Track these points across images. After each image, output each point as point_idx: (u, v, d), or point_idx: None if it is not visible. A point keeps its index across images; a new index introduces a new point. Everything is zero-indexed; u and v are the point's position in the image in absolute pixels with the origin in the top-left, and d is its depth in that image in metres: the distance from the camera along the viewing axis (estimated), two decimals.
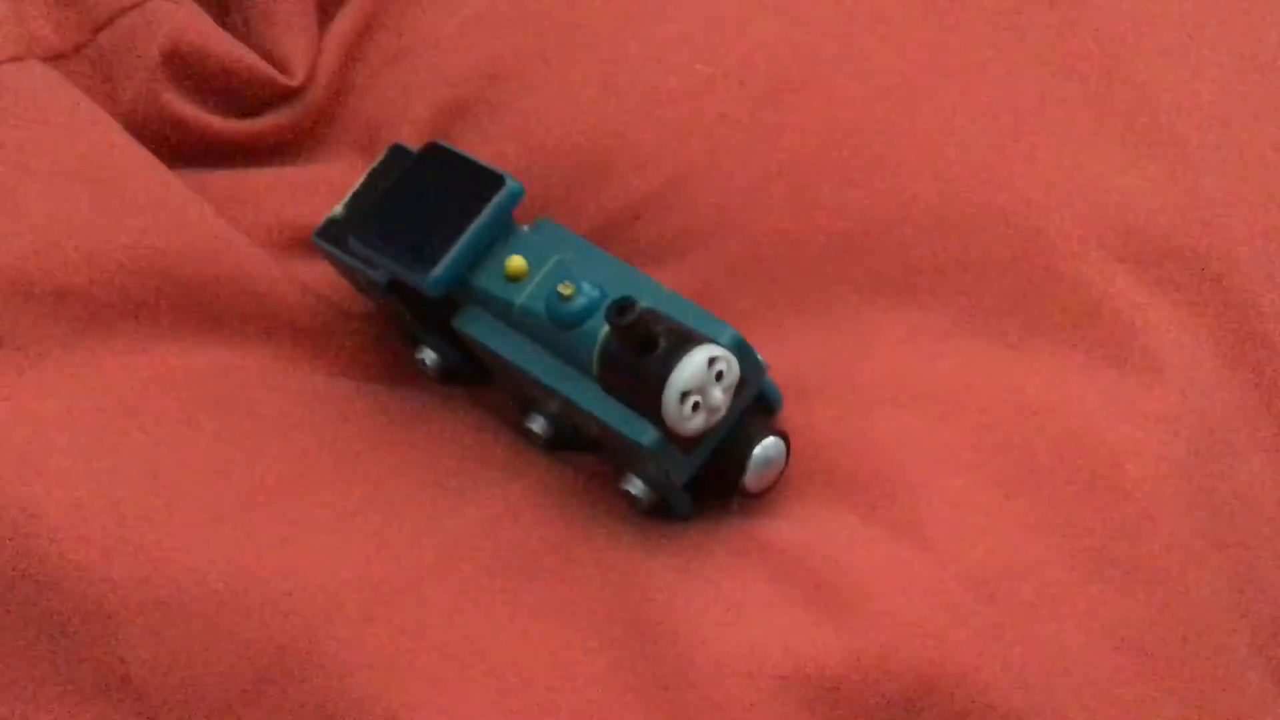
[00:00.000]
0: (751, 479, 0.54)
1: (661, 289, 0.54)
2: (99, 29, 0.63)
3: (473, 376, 0.59)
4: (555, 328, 0.53)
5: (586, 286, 0.53)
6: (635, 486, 0.55)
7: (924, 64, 0.61)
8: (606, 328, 0.52)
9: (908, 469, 0.55)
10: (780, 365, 0.56)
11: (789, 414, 0.57)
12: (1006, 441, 0.55)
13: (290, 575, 0.53)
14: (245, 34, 0.65)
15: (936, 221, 0.59)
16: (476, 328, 0.55)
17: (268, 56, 0.64)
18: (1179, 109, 0.61)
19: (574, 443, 0.57)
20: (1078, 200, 0.59)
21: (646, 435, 0.52)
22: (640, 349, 0.51)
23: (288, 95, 0.64)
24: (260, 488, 0.54)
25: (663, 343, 0.51)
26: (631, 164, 0.61)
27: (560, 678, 0.51)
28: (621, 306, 0.50)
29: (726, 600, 0.53)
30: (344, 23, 0.65)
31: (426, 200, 0.55)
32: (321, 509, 0.54)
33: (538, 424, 0.57)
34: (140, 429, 0.55)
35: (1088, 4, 0.62)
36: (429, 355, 0.59)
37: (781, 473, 0.55)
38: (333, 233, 0.58)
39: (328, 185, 0.61)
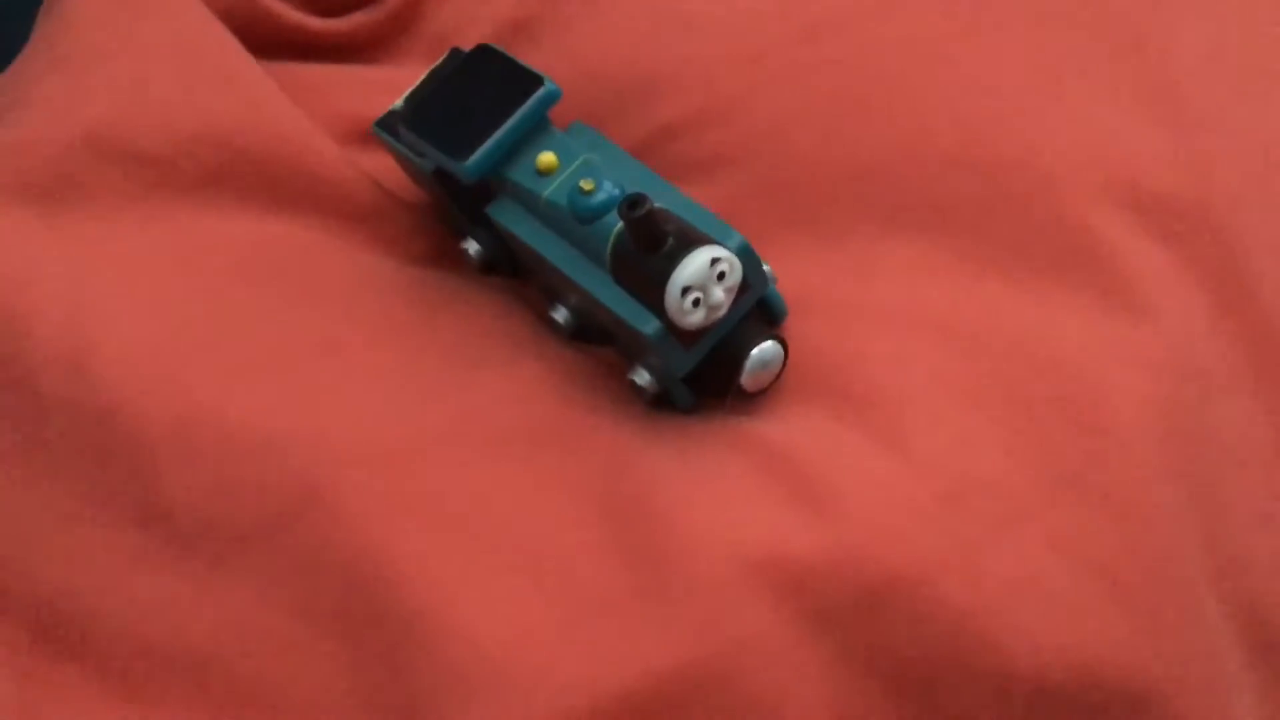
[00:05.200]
0: (748, 378, 0.51)
1: (679, 195, 0.51)
2: None
3: (512, 269, 0.56)
4: (576, 221, 0.50)
5: (607, 184, 0.50)
6: (642, 377, 0.51)
7: (955, 17, 0.58)
8: (620, 224, 0.48)
9: (898, 386, 0.52)
10: (790, 281, 0.53)
11: (793, 326, 0.54)
12: (996, 369, 0.52)
13: (316, 426, 0.51)
14: None
15: (952, 162, 0.55)
16: (507, 216, 0.52)
17: None
18: (1190, 74, 0.57)
19: (594, 335, 0.54)
20: (1087, 152, 0.55)
21: (650, 326, 0.49)
22: (648, 245, 0.48)
23: (370, 0, 0.61)
24: (297, 346, 0.53)
25: (670, 240, 0.48)
26: (672, 88, 0.58)
27: (552, 542, 0.49)
28: (633, 201, 0.47)
29: (714, 488, 0.50)
30: None
31: (471, 95, 0.53)
32: (351, 371, 0.52)
33: (561, 314, 0.54)
34: (194, 285, 0.53)
35: None
36: (472, 245, 0.56)
37: (778, 376, 0.52)
38: (390, 124, 0.56)
39: (397, 85, 0.59)
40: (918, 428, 0.51)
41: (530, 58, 0.58)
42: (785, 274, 0.53)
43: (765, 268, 0.51)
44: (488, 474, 0.50)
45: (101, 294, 0.52)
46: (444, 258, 0.57)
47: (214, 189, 0.55)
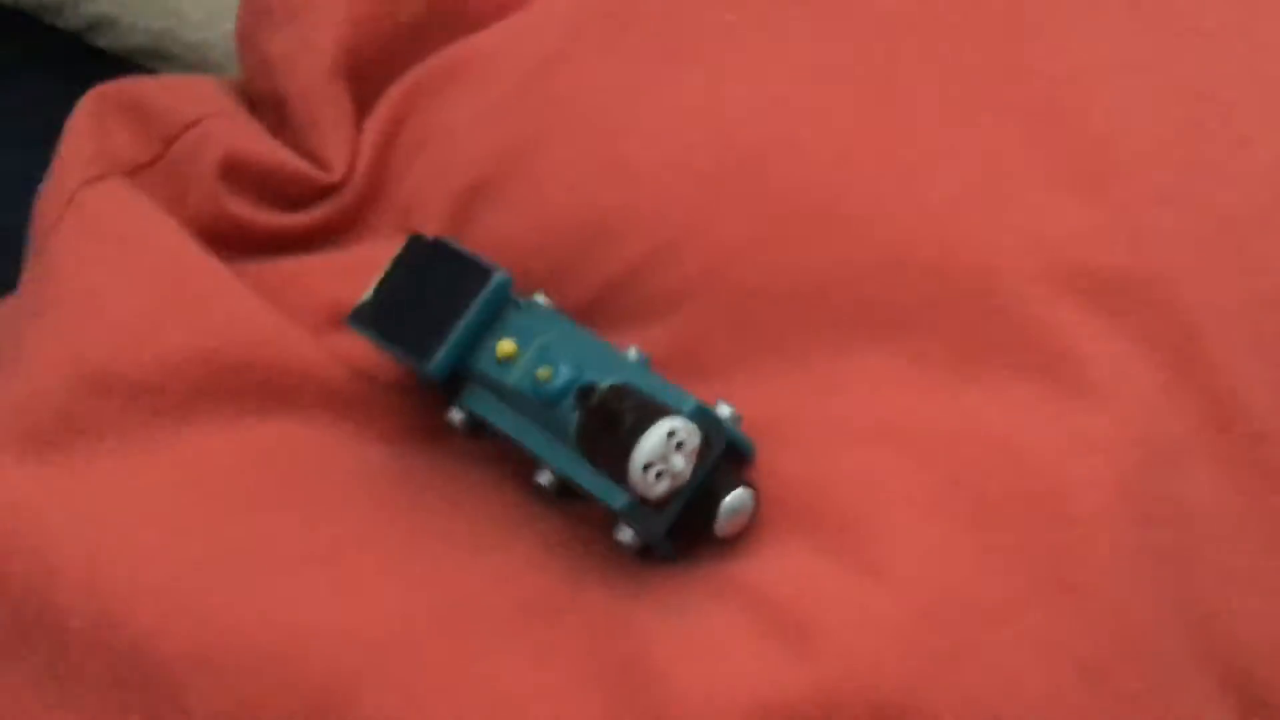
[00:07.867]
0: (722, 526, 0.52)
1: (631, 363, 0.52)
2: (170, 143, 0.62)
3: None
4: (540, 406, 0.51)
5: (563, 369, 0.51)
6: (625, 535, 0.53)
7: (884, 125, 0.57)
8: None
9: (869, 506, 0.52)
10: (759, 408, 0.54)
11: (764, 454, 0.54)
12: (961, 475, 0.52)
13: (327, 630, 0.52)
14: (294, 139, 0.63)
15: (897, 269, 0.55)
16: (480, 406, 0.54)
17: (312, 157, 0.62)
18: (1125, 146, 0.56)
19: (579, 494, 0.55)
20: (1027, 241, 0.54)
21: (619, 500, 0.50)
22: (607, 426, 0.49)
23: (330, 189, 0.62)
24: (300, 553, 0.54)
25: (627, 418, 0.49)
26: (625, 230, 0.58)
27: (557, 716, 0.49)
28: (584, 391, 0.48)
29: (702, 638, 0.51)
30: (376, 120, 0.63)
31: (428, 293, 0.54)
32: (358, 571, 0.54)
33: (545, 478, 0.55)
34: (198, 506, 0.55)
35: (1031, 51, 0.57)
36: (456, 415, 0.57)
37: (751, 517, 0.52)
38: (362, 317, 0.56)
39: (370, 265, 0.59)
40: (891, 545, 0.51)
41: (486, 220, 0.59)
42: (753, 400, 0.53)
43: (727, 410, 0.52)
44: (494, 654, 0.51)
45: (115, 533, 0.53)
46: (433, 428, 0.58)
47: (204, 404, 0.56)
